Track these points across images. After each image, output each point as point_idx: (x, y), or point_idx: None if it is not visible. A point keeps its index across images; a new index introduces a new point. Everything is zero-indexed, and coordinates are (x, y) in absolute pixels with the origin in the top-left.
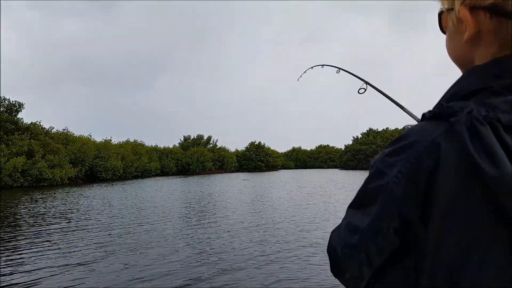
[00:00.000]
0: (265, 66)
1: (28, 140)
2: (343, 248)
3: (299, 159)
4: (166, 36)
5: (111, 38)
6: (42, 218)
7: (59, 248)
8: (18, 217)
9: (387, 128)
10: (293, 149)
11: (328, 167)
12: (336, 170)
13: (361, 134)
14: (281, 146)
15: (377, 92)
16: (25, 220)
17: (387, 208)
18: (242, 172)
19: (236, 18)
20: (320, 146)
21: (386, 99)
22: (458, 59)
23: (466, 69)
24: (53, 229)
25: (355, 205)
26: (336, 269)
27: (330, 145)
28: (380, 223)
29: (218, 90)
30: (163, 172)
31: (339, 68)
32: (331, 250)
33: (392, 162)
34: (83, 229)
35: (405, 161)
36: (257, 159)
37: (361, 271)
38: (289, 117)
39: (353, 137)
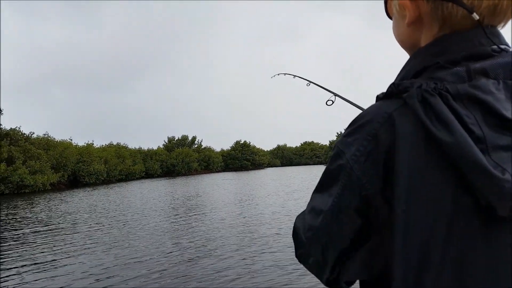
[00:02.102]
0: (247, 65)
1: (7, 147)
2: (307, 232)
3: (284, 157)
4: (146, 39)
5: (92, 41)
6: (23, 224)
7: (41, 253)
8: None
9: None
10: (278, 147)
11: (314, 164)
12: (322, 167)
13: (345, 129)
14: (266, 144)
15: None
16: (5, 227)
17: (348, 186)
18: (228, 171)
19: (216, 18)
20: (305, 143)
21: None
22: (404, 43)
23: (408, 50)
24: (34, 235)
25: (318, 189)
26: (301, 254)
27: (315, 142)
28: (342, 202)
29: (201, 90)
30: (148, 175)
31: (309, 81)
32: (295, 235)
33: (350, 142)
34: (64, 234)
35: (362, 139)
36: (243, 158)
37: (325, 254)
38: (273, 114)
39: (337, 133)
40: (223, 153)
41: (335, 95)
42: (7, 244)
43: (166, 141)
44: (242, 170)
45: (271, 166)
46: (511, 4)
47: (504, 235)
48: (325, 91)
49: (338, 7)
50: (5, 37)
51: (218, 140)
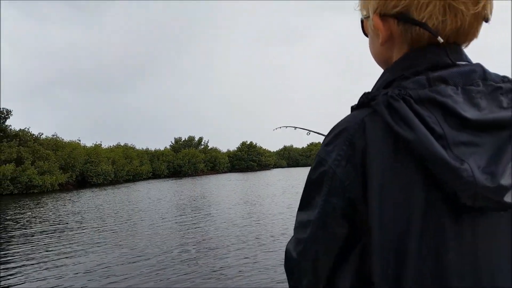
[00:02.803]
0: (252, 66)
1: (16, 147)
2: (297, 246)
3: (291, 158)
4: (149, 40)
5: (99, 44)
6: (30, 224)
7: (46, 252)
8: (7, 224)
9: None
10: (285, 148)
11: None
12: None
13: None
14: (272, 145)
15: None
16: (13, 227)
17: (332, 189)
18: (234, 172)
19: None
20: (311, 144)
21: None
22: (378, 59)
23: (382, 66)
24: (40, 234)
25: (302, 205)
26: (293, 278)
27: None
28: (328, 207)
29: (206, 91)
30: (155, 175)
31: (310, 131)
32: (286, 261)
33: (331, 149)
34: (70, 234)
35: (341, 144)
36: (249, 158)
37: (317, 269)
38: (279, 114)
39: None
40: (229, 154)
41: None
42: (14, 243)
43: (173, 141)
44: (248, 171)
45: (277, 167)
46: (474, 26)
47: (474, 224)
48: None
49: (338, 7)
50: (14, 40)
51: (224, 141)
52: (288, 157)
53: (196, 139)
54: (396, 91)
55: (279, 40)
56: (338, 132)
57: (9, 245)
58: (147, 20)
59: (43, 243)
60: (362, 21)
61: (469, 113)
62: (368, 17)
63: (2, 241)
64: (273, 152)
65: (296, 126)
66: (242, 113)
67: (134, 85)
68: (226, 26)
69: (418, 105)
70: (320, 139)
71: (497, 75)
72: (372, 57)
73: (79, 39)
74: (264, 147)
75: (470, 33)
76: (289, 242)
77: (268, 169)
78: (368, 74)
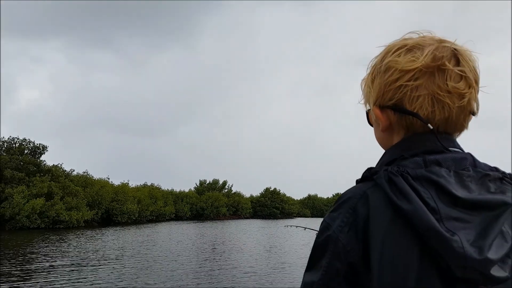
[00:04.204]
0: (281, 114)
1: (48, 182)
2: None
3: (315, 207)
4: (189, 90)
5: (139, 91)
6: (52, 257)
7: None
8: (30, 257)
9: None
10: (309, 197)
11: None
12: None
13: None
14: (296, 192)
15: None
16: (37, 260)
17: (335, 254)
18: (256, 218)
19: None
20: (337, 194)
21: None
22: (382, 144)
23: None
24: (61, 268)
25: (309, 266)
26: None
27: None
28: (331, 270)
29: (235, 137)
30: (177, 217)
31: (311, 229)
32: None
33: (335, 215)
34: (95, 270)
35: (345, 212)
36: (272, 205)
37: None
38: (305, 163)
39: None
40: (252, 199)
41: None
42: (33, 275)
43: (198, 184)
44: (270, 218)
45: (301, 216)
46: (461, 117)
47: None
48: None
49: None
50: (58, 81)
51: (248, 185)
52: (312, 206)
53: (221, 182)
54: (395, 168)
55: (314, 95)
56: (343, 201)
57: (29, 277)
58: (188, 72)
59: (63, 278)
60: (367, 113)
61: (460, 192)
62: (370, 109)
63: (23, 273)
64: (297, 200)
65: (305, 227)
66: (268, 159)
67: (166, 130)
68: (258, 77)
69: (415, 181)
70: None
71: (486, 165)
72: (377, 143)
73: (120, 85)
74: (288, 194)
75: (458, 123)
76: None
77: (291, 218)
78: None
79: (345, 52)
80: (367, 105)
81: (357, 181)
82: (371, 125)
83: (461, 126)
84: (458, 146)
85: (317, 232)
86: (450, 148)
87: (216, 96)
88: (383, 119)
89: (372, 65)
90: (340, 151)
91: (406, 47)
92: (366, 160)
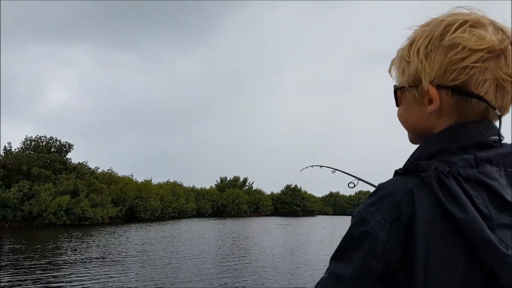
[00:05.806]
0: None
1: (74, 180)
2: None
3: (337, 205)
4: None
5: (162, 89)
6: (81, 255)
7: (89, 281)
8: (57, 251)
9: None
10: (331, 194)
11: None
12: None
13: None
14: (318, 190)
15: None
16: (64, 255)
17: (373, 251)
18: (277, 216)
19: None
20: (360, 192)
21: None
22: (414, 127)
23: (417, 134)
24: (84, 263)
25: (338, 255)
26: None
27: (371, 191)
28: (365, 268)
29: (255, 133)
30: (199, 213)
31: (335, 169)
32: None
33: (374, 210)
34: (119, 265)
35: (386, 208)
36: (293, 203)
37: None
38: (325, 161)
39: None
40: (273, 196)
41: (358, 179)
42: (57, 270)
43: (219, 181)
44: (291, 216)
45: (322, 214)
46: (510, 105)
47: None
48: (348, 175)
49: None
50: (85, 81)
51: (269, 183)
52: (334, 204)
53: (241, 179)
54: (446, 168)
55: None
56: (384, 195)
57: (54, 271)
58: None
59: (87, 273)
60: (395, 90)
61: (510, 196)
62: (414, 86)
63: (49, 267)
64: (319, 197)
65: (322, 165)
66: (288, 156)
67: (189, 127)
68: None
69: (467, 184)
70: (369, 187)
71: None
72: (402, 124)
73: (143, 85)
74: (309, 191)
75: (506, 111)
76: (318, 284)
77: (312, 215)
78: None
79: (362, 48)
80: (406, 82)
81: (397, 173)
82: (398, 105)
83: (506, 112)
84: (499, 133)
85: (332, 169)
86: (492, 138)
87: (235, 93)
88: (438, 99)
89: (426, 36)
90: (361, 147)
91: (468, 23)
92: (381, 160)
